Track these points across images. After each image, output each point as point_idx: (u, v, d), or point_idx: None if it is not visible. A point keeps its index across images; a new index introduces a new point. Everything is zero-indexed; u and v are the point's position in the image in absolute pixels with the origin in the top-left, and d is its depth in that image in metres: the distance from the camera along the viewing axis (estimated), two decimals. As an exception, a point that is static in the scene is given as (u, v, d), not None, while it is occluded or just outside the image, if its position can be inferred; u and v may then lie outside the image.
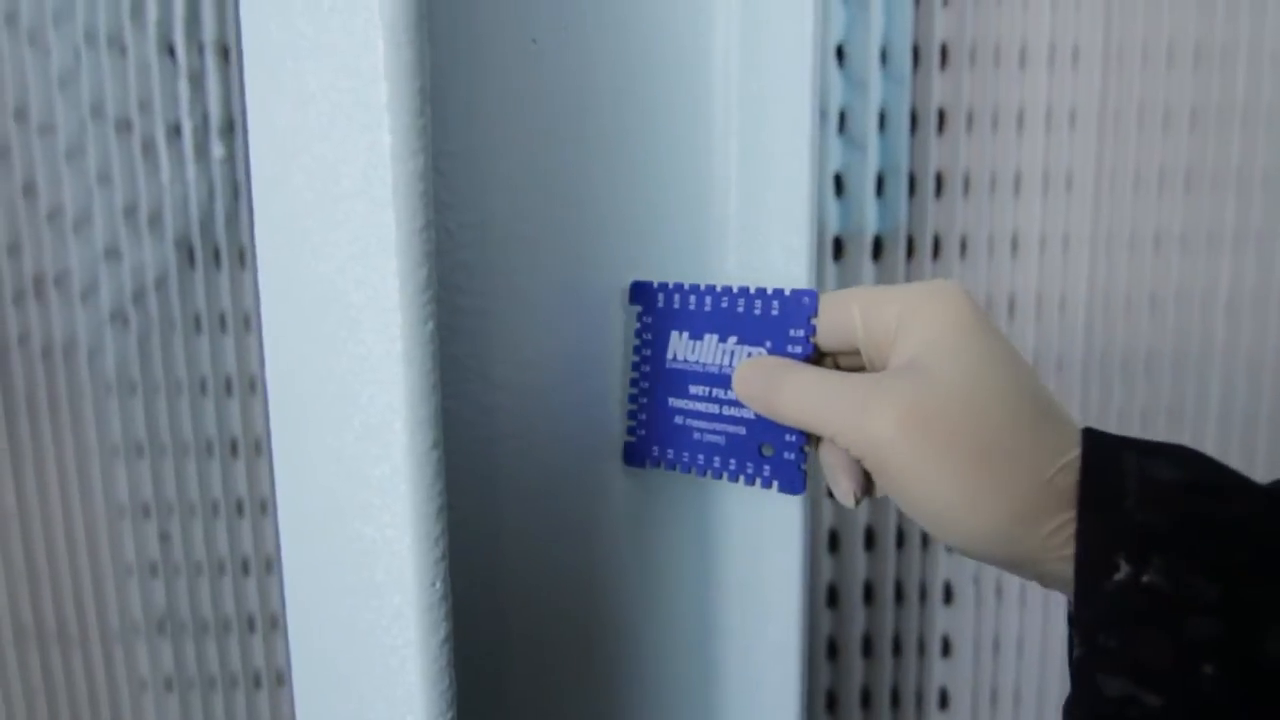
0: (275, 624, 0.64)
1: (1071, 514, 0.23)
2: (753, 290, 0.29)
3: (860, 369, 0.28)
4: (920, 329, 0.24)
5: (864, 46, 0.60)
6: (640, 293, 0.31)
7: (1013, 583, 0.66)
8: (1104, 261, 0.63)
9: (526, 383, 0.29)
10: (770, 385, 0.27)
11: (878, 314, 0.25)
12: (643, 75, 0.32)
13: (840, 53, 0.60)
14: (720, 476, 0.30)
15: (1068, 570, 0.23)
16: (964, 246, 0.62)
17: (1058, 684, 0.67)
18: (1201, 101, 0.62)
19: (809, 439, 0.29)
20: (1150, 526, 0.22)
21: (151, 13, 0.55)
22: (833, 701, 0.66)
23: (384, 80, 0.19)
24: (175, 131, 0.56)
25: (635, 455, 0.32)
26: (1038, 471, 0.23)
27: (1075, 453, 0.23)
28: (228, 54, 0.57)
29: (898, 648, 0.66)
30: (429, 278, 0.20)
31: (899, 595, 0.65)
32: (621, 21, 0.30)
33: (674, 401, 0.31)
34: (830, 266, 0.62)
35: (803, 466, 0.29)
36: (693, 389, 0.30)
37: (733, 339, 0.29)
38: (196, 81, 0.56)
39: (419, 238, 0.20)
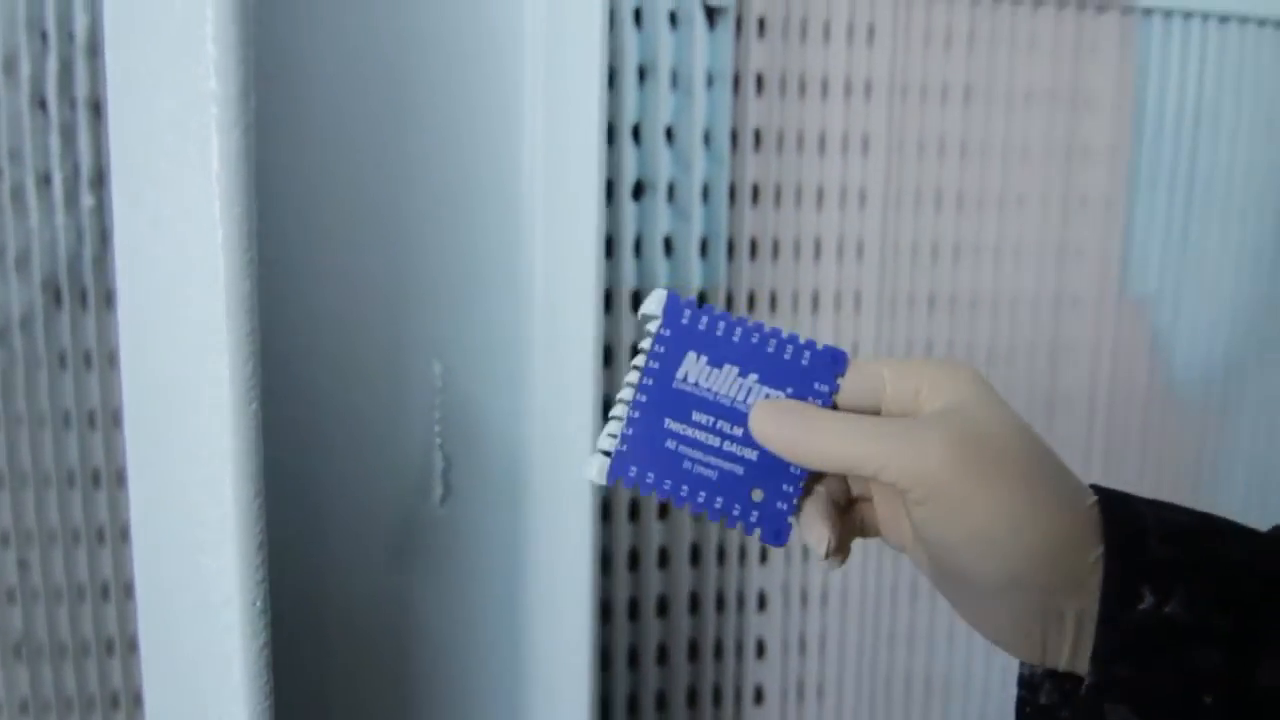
0: (133, 647, 0.67)
1: (1101, 548, 0.24)
2: (785, 335, 0.29)
3: None
4: (948, 389, 0.26)
5: (689, 130, 0.69)
6: (670, 305, 0.30)
7: (815, 589, 0.76)
8: (889, 317, 0.74)
9: (348, 434, 0.36)
10: (806, 424, 0.27)
11: (904, 380, 0.27)
12: (458, 166, 0.39)
13: (669, 134, 0.69)
14: (700, 512, 0.30)
15: (1093, 603, 0.23)
16: (774, 302, 0.72)
17: (853, 678, 0.78)
18: (970, 188, 0.75)
19: (799, 491, 0.29)
20: (1173, 560, 0.23)
21: (24, 67, 0.59)
22: (663, 701, 0.75)
23: (219, 247, 0.26)
24: (45, 180, 0.60)
25: (615, 470, 0.30)
26: (1076, 501, 0.24)
27: (1093, 495, 0.25)
28: (99, 109, 0.61)
29: (719, 651, 0.75)
30: (254, 372, 0.27)
31: (720, 603, 0.75)
32: (438, 123, 0.38)
33: (671, 424, 0.29)
34: (660, 317, 0.70)
35: (790, 519, 0.29)
36: (696, 415, 0.29)
37: (753, 376, 0.29)
38: (68, 134, 0.60)
39: (247, 340, 0.27)
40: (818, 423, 0.27)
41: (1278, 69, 0.80)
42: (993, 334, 0.76)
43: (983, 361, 0.77)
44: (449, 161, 0.39)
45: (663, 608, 0.73)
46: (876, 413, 0.28)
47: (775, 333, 0.29)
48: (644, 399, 0.30)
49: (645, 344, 0.30)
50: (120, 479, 0.65)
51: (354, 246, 0.35)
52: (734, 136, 0.70)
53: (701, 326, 0.29)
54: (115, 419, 0.63)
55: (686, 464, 0.29)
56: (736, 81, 0.70)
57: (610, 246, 0.69)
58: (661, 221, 0.69)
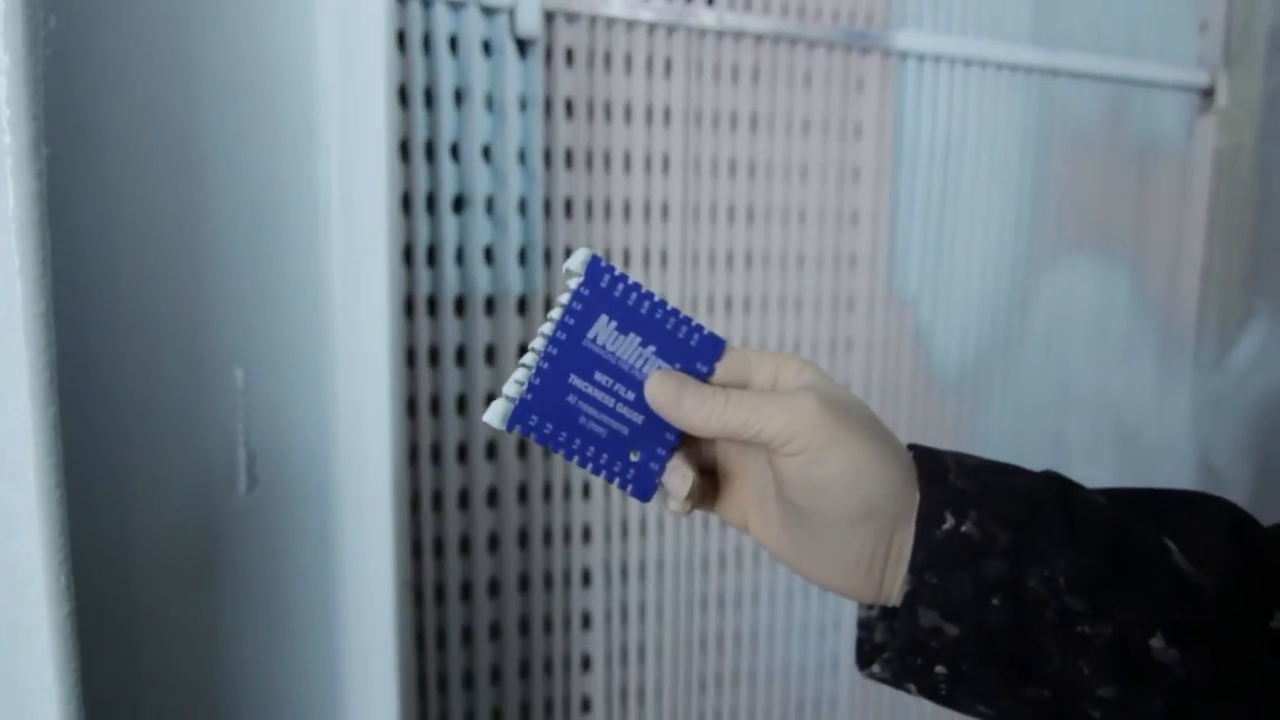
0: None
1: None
2: (681, 315, 0.32)
3: None
4: (800, 373, 0.32)
5: (505, 149, 0.76)
6: (592, 266, 0.31)
7: (634, 565, 0.84)
8: (691, 314, 0.83)
9: (151, 434, 0.40)
10: (699, 394, 0.31)
11: (765, 366, 0.32)
12: (256, 186, 0.44)
13: (486, 153, 0.75)
14: (585, 465, 0.32)
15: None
16: (588, 306, 0.80)
17: (670, 644, 0.87)
18: (759, 205, 0.85)
19: (670, 456, 0.33)
20: (966, 491, 0.30)
21: None
22: (497, 674, 0.81)
23: (16, 274, 0.30)
24: None
25: (516, 417, 0.32)
26: (902, 451, 0.31)
27: (909, 450, 0.31)
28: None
29: (548, 625, 0.82)
30: (51, 380, 0.32)
31: (547, 582, 0.82)
32: (234, 147, 0.43)
33: (575, 379, 0.32)
34: (482, 321, 0.77)
35: (658, 479, 0.33)
36: (598, 375, 0.32)
37: (651, 348, 0.32)
38: None
39: (44, 353, 0.31)
40: (708, 394, 0.31)
41: (1012, 103, 0.96)
42: (781, 331, 0.87)
43: (774, 355, 0.87)
44: (246, 181, 0.44)
45: (494, 588, 0.79)
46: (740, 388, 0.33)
47: (675, 312, 0.32)
48: (554, 351, 0.32)
49: (563, 299, 0.32)
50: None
51: (155, 265, 0.40)
52: (547, 155, 0.77)
53: (617, 293, 0.31)
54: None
55: (582, 419, 0.32)
56: (548, 106, 0.77)
57: (433, 255, 0.75)
58: (481, 232, 0.76)
